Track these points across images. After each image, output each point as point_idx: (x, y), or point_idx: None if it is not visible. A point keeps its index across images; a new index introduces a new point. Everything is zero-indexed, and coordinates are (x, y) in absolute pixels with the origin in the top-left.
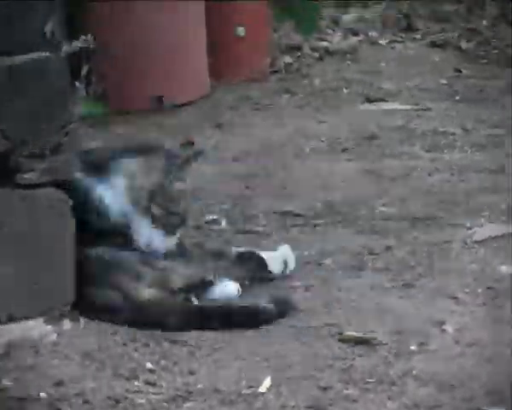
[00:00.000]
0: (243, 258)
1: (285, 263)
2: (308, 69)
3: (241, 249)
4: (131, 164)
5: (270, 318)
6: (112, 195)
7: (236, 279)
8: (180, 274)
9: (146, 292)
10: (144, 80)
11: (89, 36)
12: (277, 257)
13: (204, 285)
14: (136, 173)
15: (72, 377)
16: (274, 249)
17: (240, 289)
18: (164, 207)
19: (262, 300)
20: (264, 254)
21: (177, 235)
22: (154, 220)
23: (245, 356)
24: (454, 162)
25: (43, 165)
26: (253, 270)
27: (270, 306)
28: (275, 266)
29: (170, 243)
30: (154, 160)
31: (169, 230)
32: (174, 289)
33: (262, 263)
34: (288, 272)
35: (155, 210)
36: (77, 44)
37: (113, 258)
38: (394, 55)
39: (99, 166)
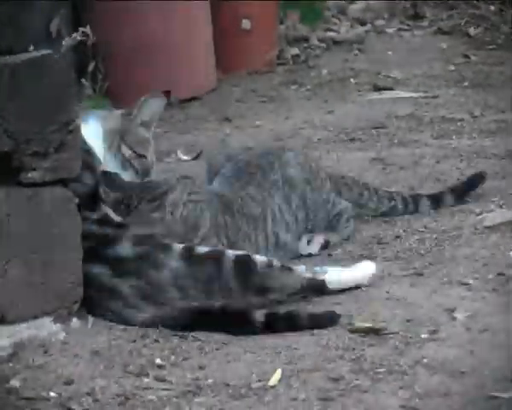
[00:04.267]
0: None
1: None
2: (315, 60)
3: None
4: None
5: None
6: None
7: None
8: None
9: None
10: (151, 76)
11: (87, 28)
12: None
13: None
14: None
15: (82, 376)
16: None
17: None
18: None
19: None
20: None
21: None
22: None
23: (255, 350)
24: (462, 149)
25: (47, 163)
26: None
27: None
28: None
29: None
30: None
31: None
32: None
33: None
34: None
35: None
36: (75, 37)
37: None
38: (402, 44)
39: None
